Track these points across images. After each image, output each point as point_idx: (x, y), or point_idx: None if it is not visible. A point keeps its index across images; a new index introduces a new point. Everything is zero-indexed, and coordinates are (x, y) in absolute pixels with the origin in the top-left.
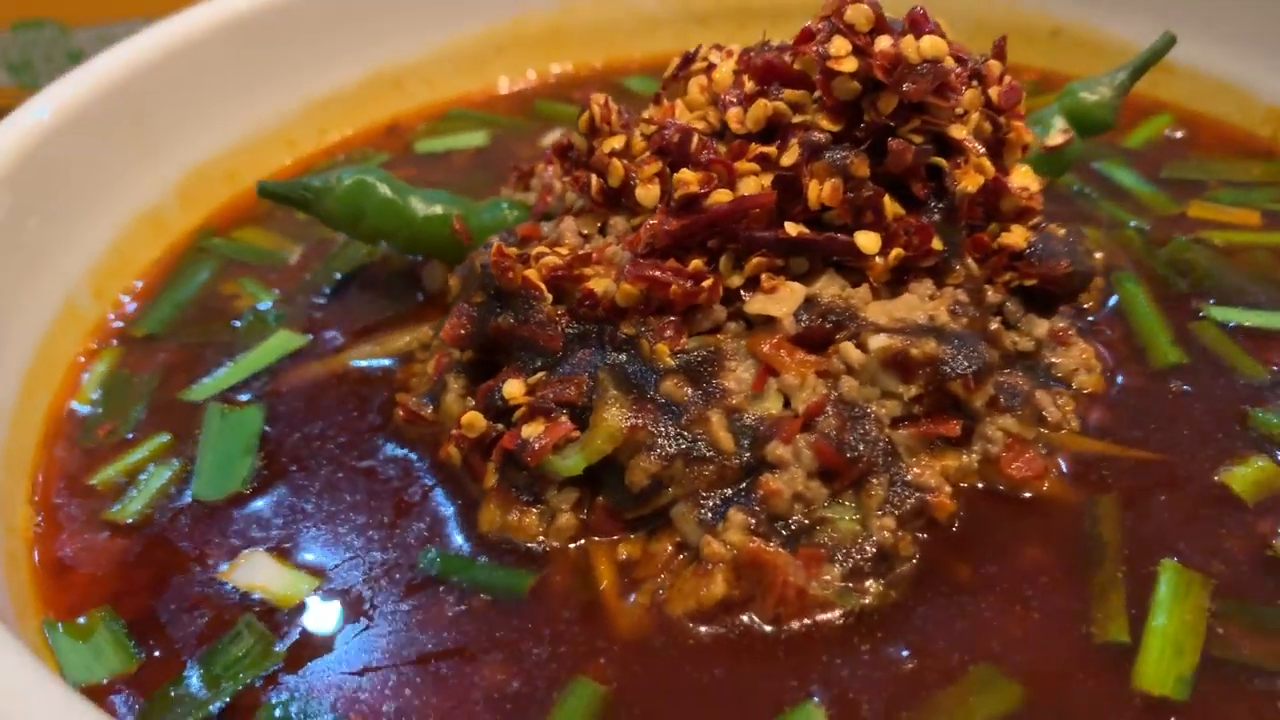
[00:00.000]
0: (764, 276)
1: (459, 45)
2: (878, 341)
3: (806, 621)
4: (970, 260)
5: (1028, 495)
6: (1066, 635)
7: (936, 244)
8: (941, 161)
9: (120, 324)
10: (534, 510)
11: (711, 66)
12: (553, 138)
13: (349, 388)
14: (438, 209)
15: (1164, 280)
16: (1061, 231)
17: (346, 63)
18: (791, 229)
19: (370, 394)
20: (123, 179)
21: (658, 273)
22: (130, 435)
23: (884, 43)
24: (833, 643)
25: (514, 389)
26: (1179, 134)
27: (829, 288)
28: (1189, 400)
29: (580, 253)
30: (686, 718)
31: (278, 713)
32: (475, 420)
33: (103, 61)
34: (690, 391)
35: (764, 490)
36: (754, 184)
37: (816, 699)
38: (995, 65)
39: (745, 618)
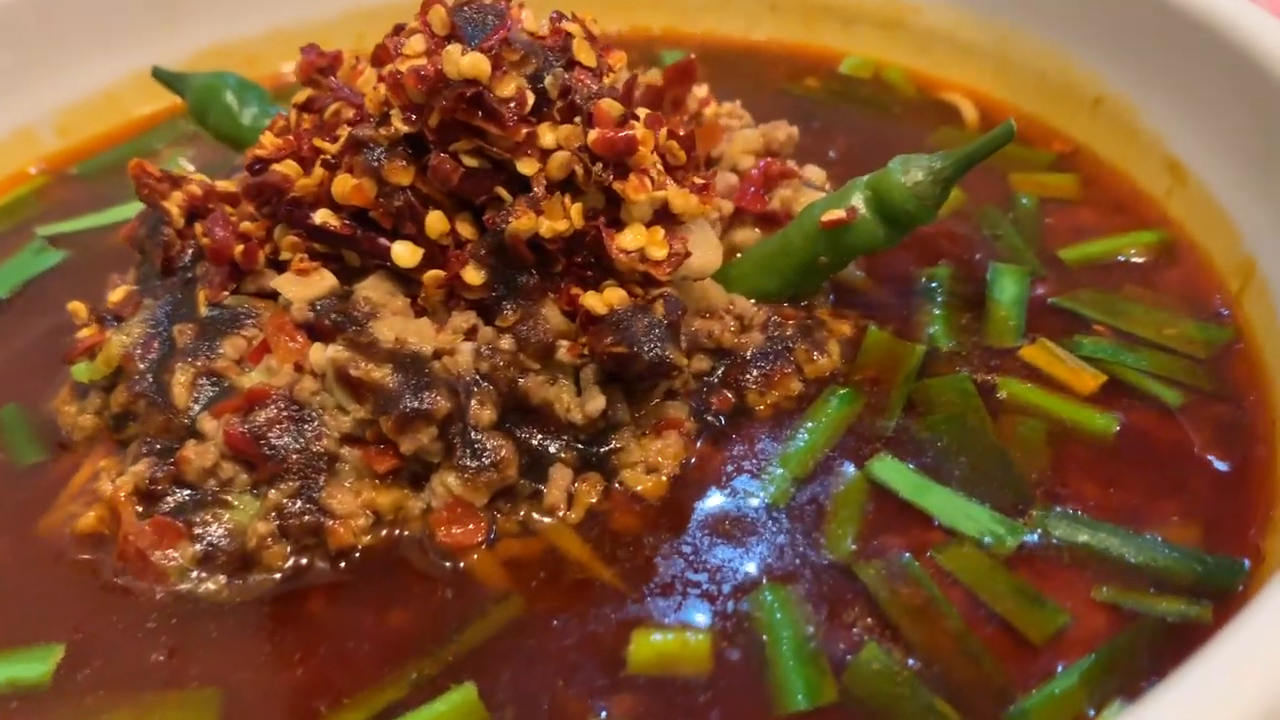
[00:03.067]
0: (298, 257)
1: None
2: (335, 351)
3: (140, 584)
4: (553, 310)
5: (448, 563)
6: (309, 703)
7: (472, 277)
8: (502, 194)
9: (67, 160)
10: (76, 403)
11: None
12: None
13: None
14: (266, 120)
15: (883, 411)
16: (659, 312)
17: None
18: (319, 216)
19: None
20: (131, 36)
21: (218, 223)
22: None
23: (453, 53)
24: (134, 609)
25: (116, 294)
26: (1139, 258)
27: (373, 288)
28: (726, 545)
29: (226, 190)
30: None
31: None
32: (78, 309)
33: None
34: (190, 342)
35: (179, 454)
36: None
37: (67, 646)
38: (609, 107)
39: (105, 556)
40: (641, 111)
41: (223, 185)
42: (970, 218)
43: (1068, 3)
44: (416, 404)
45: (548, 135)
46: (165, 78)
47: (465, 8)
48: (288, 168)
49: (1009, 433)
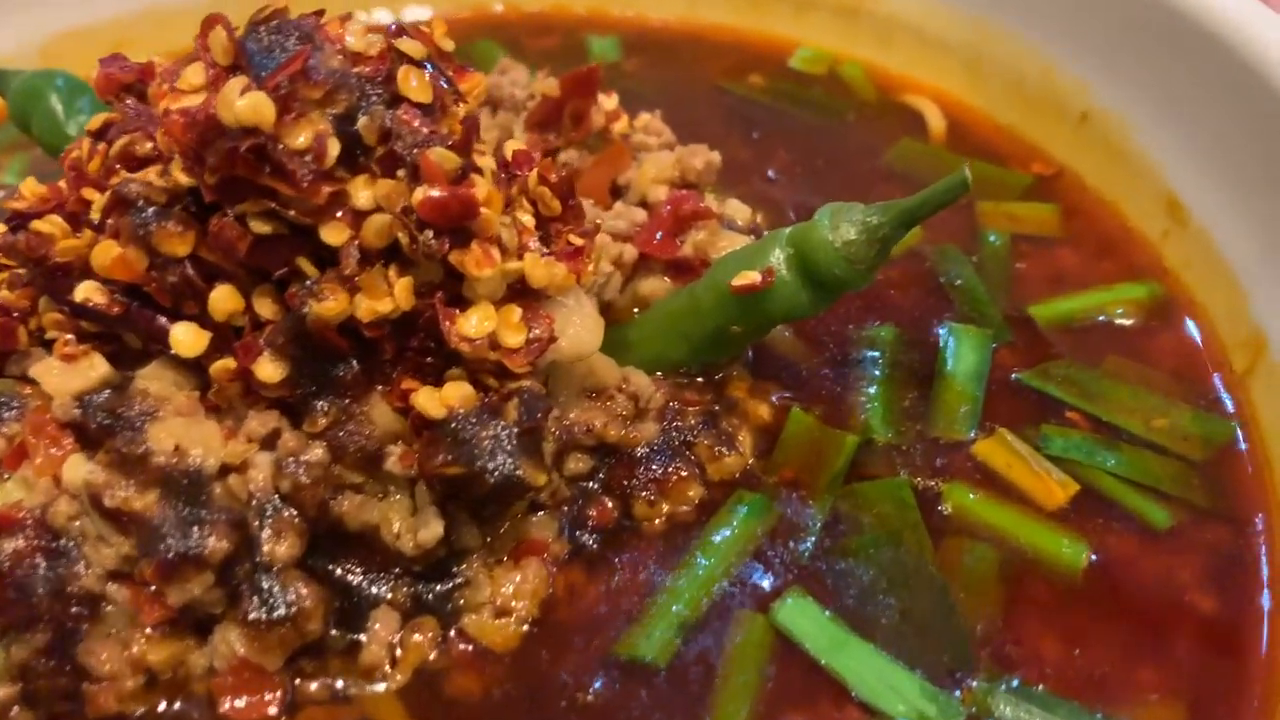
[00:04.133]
0: (63, 338)
1: None
2: (85, 471)
3: None
4: (382, 410)
5: None
6: None
7: (267, 372)
8: (305, 267)
9: None
10: None
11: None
12: None
13: None
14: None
15: (800, 529)
16: (511, 416)
17: None
18: (83, 291)
19: None
20: None
21: None
22: None
23: (230, 87)
24: None
25: None
26: (1127, 320)
27: (155, 380)
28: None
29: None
30: None
31: None
32: None
33: None
34: None
35: None
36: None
37: None
38: (440, 158)
39: None
40: (509, 146)
41: None
42: (926, 259)
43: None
44: (184, 546)
45: (362, 193)
46: None
47: (260, 29)
48: (50, 225)
49: (953, 562)
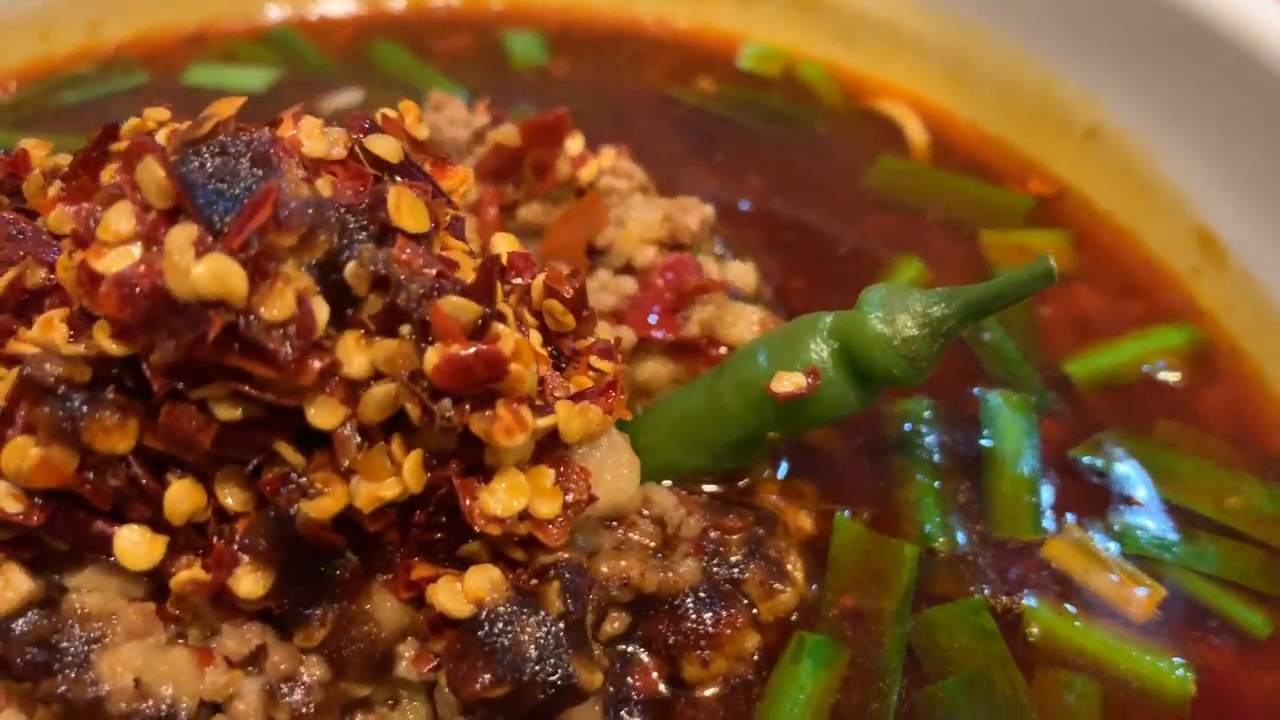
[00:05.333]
0: None
1: None
2: None
3: None
4: (385, 604)
5: None
6: None
7: (248, 587)
8: (286, 453)
9: None
10: None
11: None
12: (339, 102)
13: None
14: None
15: (876, 675)
16: (555, 605)
17: None
18: None
19: None
20: None
21: None
22: None
23: (175, 241)
24: None
25: None
26: (1171, 376)
27: (93, 588)
28: None
29: None
30: None
31: None
32: None
33: None
34: None
35: None
36: None
37: None
38: (455, 308)
39: None
40: (498, 244)
41: None
42: None
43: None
44: None
45: (356, 359)
46: None
47: (200, 150)
48: None
49: (1052, 701)
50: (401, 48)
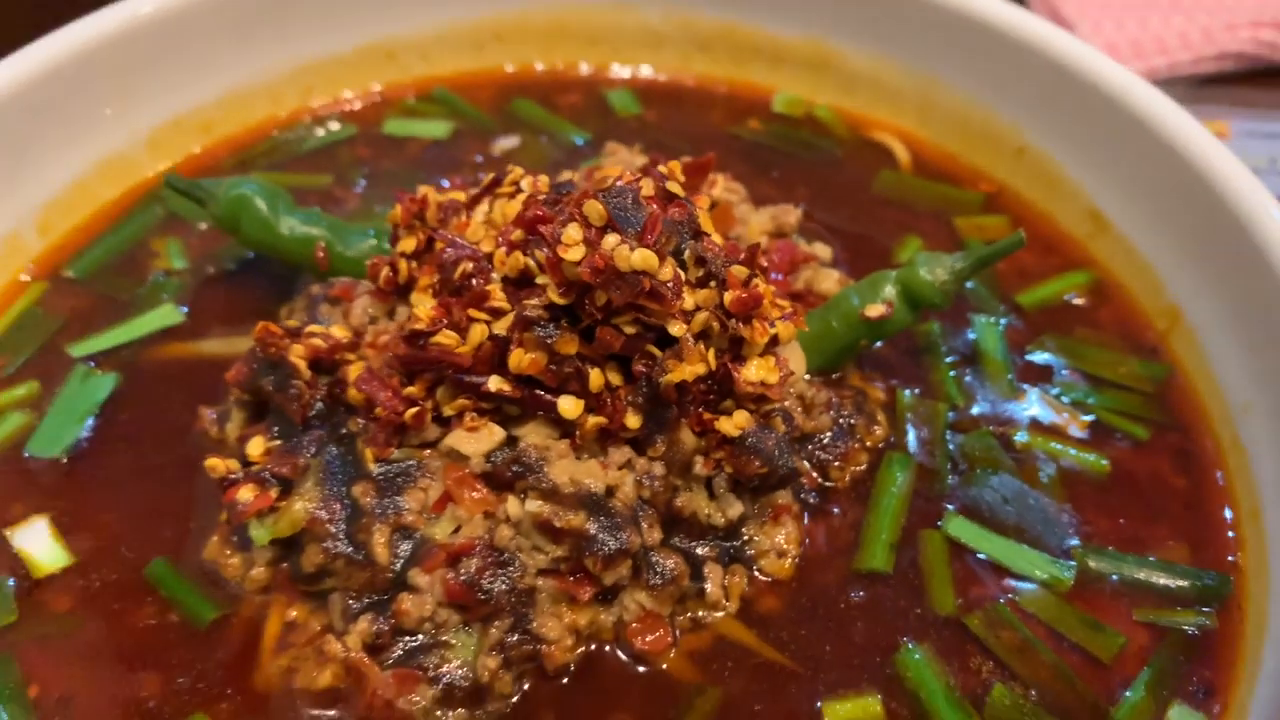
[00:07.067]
0: (468, 416)
1: (458, 27)
2: (533, 505)
3: None
4: (687, 434)
5: (646, 667)
6: None
7: (631, 421)
8: (654, 350)
9: (57, 261)
10: (240, 555)
11: (516, 191)
12: (506, 145)
13: (193, 376)
14: (305, 231)
15: (935, 472)
16: (782, 428)
17: (341, 28)
18: (495, 384)
19: (207, 388)
20: (93, 125)
21: (377, 387)
22: (12, 372)
23: (609, 243)
24: None
25: (254, 448)
26: (1079, 300)
27: (533, 434)
28: (858, 615)
29: (347, 339)
30: None
31: None
32: (217, 464)
33: (89, 21)
34: (373, 501)
35: (397, 608)
36: (480, 331)
37: None
38: (738, 271)
39: (339, 710)
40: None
41: (338, 333)
42: None
43: (988, 63)
44: (617, 545)
45: (689, 299)
46: (182, 186)
47: (612, 196)
48: (448, 338)
49: (1032, 479)
50: (534, 103)
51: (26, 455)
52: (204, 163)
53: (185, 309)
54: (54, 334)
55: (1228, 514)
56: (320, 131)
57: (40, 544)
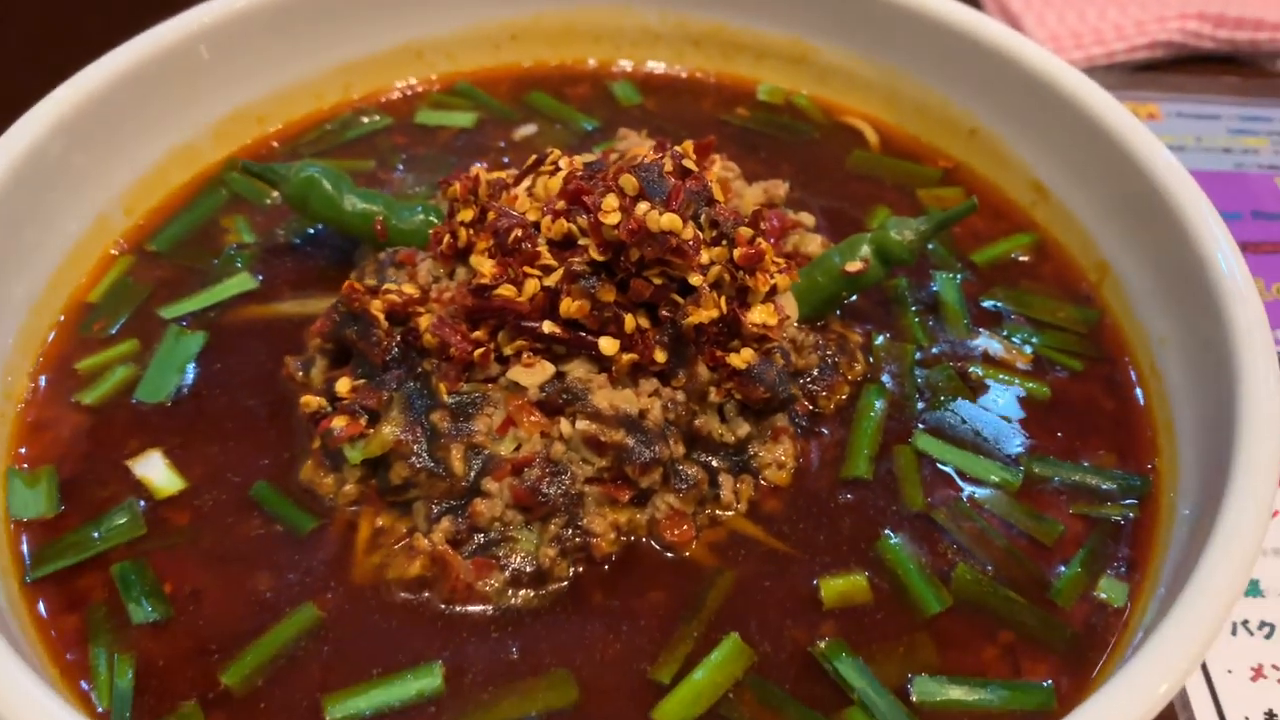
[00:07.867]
0: (525, 355)
1: (479, 29)
2: (581, 425)
3: (471, 608)
4: (703, 368)
5: (674, 555)
6: (632, 665)
7: (659, 356)
8: (677, 298)
9: (140, 237)
10: (333, 475)
11: (556, 170)
12: (525, 132)
13: (272, 332)
14: (365, 207)
15: (905, 400)
16: (780, 362)
17: (376, 33)
18: (548, 327)
19: (284, 342)
20: (165, 119)
21: (449, 332)
22: (114, 332)
23: (641, 209)
24: (478, 626)
25: (342, 386)
26: (1024, 258)
27: (577, 370)
28: (847, 512)
29: (418, 295)
30: (363, 647)
31: (126, 566)
32: (310, 401)
33: (154, 31)
34: (449, 425)
35: (472, 510)
36: (533, 284)
37: (442, 661)
38: (745, 232)
39: (428, 594)
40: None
41: (409, 290)
42: None
43: (944, 58)
44: (652, 454)
45: (705, 255)
46: (256, 170)
47: (642, 170)
48: (508, 290)
49: (986, 404)
50: (547, 95)
51: (134, 401)
52: (258, 151)
53: (259, 277)
54: (145, 299)
55: (1147, 429)
56: (363, 121)
57: (157, 472)
